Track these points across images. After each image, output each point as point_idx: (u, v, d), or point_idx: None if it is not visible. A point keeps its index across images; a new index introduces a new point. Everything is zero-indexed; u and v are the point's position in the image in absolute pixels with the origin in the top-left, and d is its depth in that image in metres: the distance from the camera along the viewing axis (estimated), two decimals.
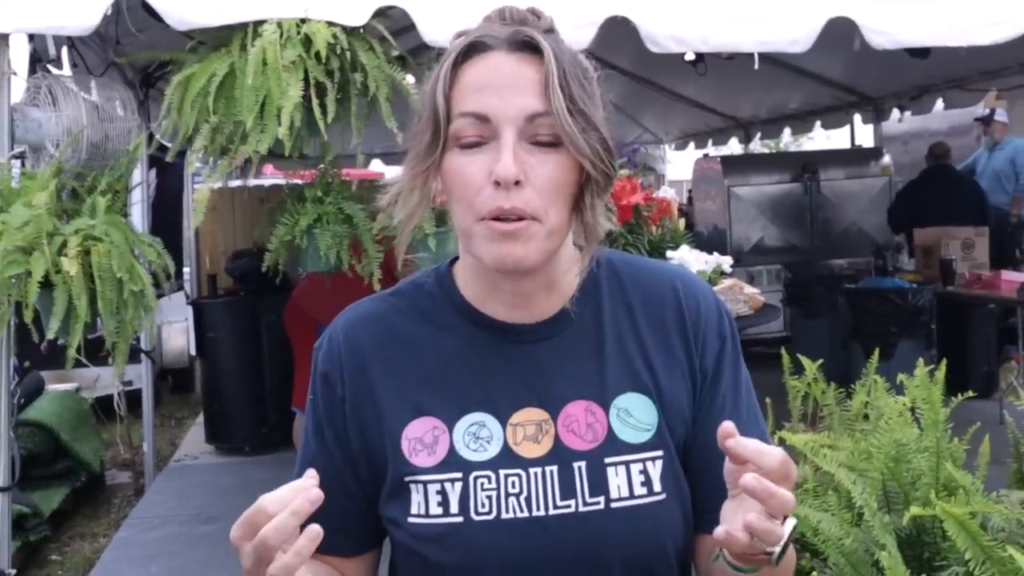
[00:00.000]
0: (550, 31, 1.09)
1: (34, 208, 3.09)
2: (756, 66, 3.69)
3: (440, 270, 1.19)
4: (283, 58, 3.06)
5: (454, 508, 1.08)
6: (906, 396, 2.41)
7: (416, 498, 1.10)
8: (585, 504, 1.09)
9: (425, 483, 1.09)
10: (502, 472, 1.09)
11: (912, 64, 5.67)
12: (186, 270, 7.73)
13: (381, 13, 3.41)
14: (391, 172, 11.81)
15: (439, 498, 1.09)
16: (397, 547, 1.15)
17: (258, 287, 6.59)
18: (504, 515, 1.08)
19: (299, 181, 4.03)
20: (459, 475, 1.09)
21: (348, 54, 3.27)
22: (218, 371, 6.64)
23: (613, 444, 1.10)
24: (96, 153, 3.62)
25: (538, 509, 1.08)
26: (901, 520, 1.97)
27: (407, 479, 1.10)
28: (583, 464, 1.09)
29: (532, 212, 1.03)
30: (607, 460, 1.10)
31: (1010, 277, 6.43)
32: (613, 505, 1.09)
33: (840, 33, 3.77)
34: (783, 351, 2.77)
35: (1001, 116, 8.81)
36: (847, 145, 9.75)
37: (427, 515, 1.09)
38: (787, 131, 10.48)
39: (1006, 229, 7.72)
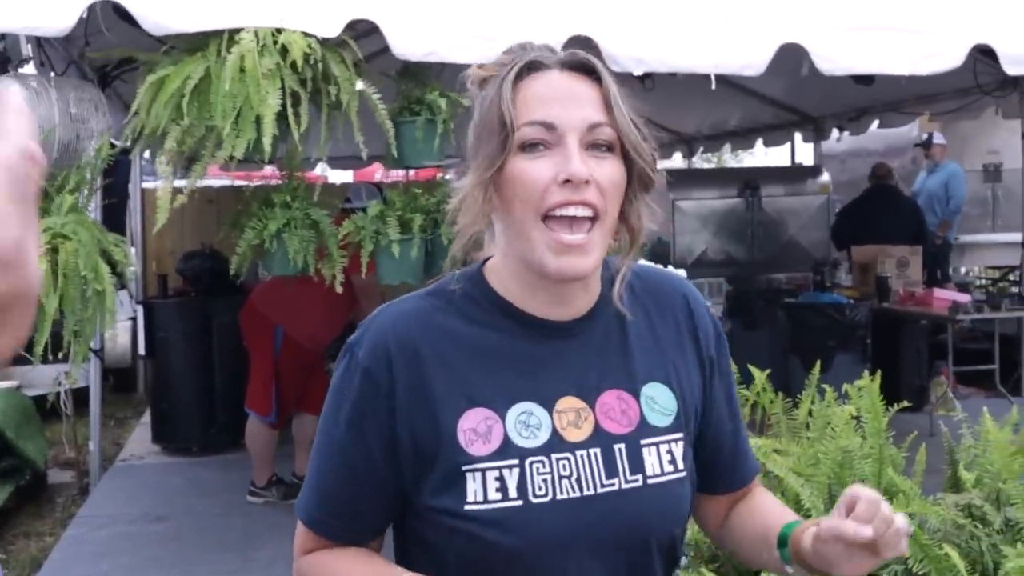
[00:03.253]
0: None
1: None
2: (713, 87, 3.84)
3: (470, 273, 1.28)
4: (261, 66, 3.11)
5: (513, 493, 1.17)
6: (849, 406, 2.57)
7: (473, 486, 1.17)
8: (627, 482, 1.21)
9: (484, 471, 1.17)
10: (553, 456, 1.19)
11: (853, 87, 5.90)
12: (130, 269, 7.67)
13: (353, 26, 3.48)
14: (334, 177, 11.72)
15: (497, 484, 1.17)
16: (443, 535, 1.20)
17: (209, 288, 6.60)
18: (559, 496, 1.17)
19: (246, 183, 4.08)
20: (516, 461, 1.18)
21: (320, 65, 3.34)
22: (167, 371, 6.61)
23: (645, 428, 1.24)
24: (66, 153, 3.62)
25: (588, 488, 1.19)
26: None
27: (464, 468, 1.17)
28: (623, 446, 1.22)
29: (597, 206, 1.17)
30: (643, 442, 1.23)
31: (942, 295, 6.69)
32: (650, 482, 1.22)
33: (788, 57, 3.95)
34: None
35: (939, 139, 9.14)
36: (787, 162, 10.00)
37: (486, 501, 1.17)
38: (727, 147, 10.72)
39: (930, 250, 8.01)
